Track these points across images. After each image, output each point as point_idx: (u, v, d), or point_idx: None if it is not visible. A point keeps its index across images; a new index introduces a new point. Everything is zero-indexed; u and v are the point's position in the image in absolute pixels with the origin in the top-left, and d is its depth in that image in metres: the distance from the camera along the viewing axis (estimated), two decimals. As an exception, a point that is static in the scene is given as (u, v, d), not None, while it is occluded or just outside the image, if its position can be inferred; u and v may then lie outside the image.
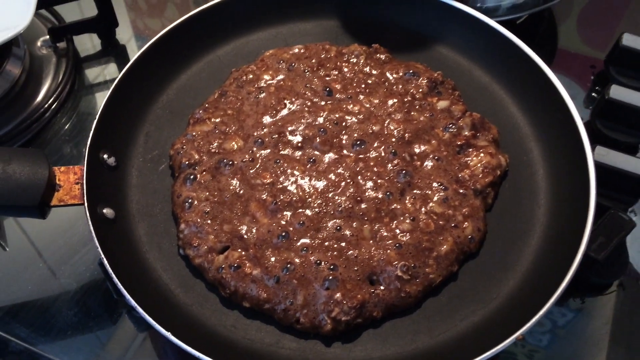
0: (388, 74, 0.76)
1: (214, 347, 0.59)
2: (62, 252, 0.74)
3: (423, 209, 0.66)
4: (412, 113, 0.73)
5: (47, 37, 0.90)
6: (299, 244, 0.63)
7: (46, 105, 0.85)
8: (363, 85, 0.75)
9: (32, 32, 0.91)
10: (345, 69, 0.76)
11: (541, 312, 0.57)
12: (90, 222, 0.62)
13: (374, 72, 0.76)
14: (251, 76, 0.76)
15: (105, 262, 0.60)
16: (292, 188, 0.67)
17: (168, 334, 0.57)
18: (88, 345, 0.69)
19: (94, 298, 0.71)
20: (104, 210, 0.66)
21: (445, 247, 0.64)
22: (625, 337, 0.68)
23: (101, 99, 0.72)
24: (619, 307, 0.69)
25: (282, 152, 0.70)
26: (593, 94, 0.88)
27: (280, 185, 0.67)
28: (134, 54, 0.76)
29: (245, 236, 0.64)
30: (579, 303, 0.70)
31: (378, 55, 0.79)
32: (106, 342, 0.69)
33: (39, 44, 0.91)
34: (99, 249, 0.61)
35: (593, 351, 0.67)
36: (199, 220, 0.65)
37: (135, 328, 0.70)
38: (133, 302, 0.59)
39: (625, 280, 0.72)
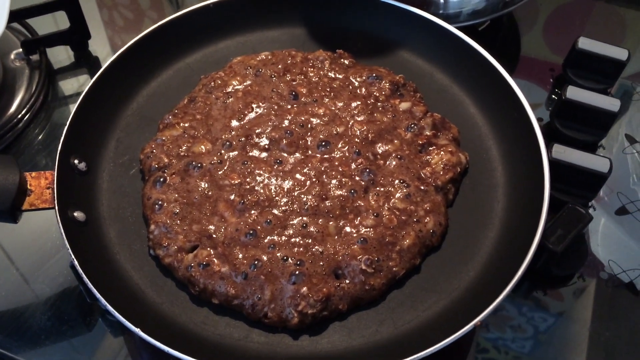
0: (352, 78, 0.78)
1: (184, 343, 0.60)
2: (35, 258, 0.75)
3: (386, 205, 0.68)
4: (375, 114, 0.75)
5: (20, 49, 0.91)
6: (266, 241, 0.65)
7: (19, 116, 0.86)
8: (328, 89, 0.77)
9: (5, 44, 0.92)
10: (311, 74, 0.79)
11: (498, 300, 0.59)
12: (60, 225, 0.64)
13: (339, 76, 0.79)
14: (219, 82, 0.78)
15: (76, 263, 0.62)
16: (259, 188, 0.69)
17: (137, 330, 0.58)
18: (62, 349, 0.69)
19: (67, 303, 0.72)
20: (75, 214, 0.67)
21: (407, 241, 0.66)
22: (603, 340, 0.69)
23: (72, 111, 0.73)
24: (597, 310, 0.71)
25: (249, 154, 0.71)
26: (553, 96, 0.91)
27: (248, 186, 0.69)
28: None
29: (213, 235, 0.66)
30: (559, 307, 0.72)
31: (342, 60, 0.81)
32: (80, 347, 0.70)
33: (12, 56, 0.92)
34: (70, 251, 0.62)
35: (573, 355, 0.69)
36: (168, 221, 0.67)
37: (110, 333, 0.71)
38: (104, 302, 0.60)
39: (585, 271, 0.74)
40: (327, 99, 0.76)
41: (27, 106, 0.87)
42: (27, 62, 0.92)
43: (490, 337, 0.70)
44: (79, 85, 0.93)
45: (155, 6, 1.06)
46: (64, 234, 0.63)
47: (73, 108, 0.74)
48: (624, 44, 0.87)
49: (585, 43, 0.87)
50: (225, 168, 0.70)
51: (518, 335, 0.70)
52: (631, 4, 1.03)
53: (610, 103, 0.81)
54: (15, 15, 0.88)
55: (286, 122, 0.74)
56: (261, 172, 0.70)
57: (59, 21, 0.96)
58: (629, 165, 0.84)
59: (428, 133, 0.74)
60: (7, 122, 0.85)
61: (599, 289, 0.73)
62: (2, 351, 0.69)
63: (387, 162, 0.71)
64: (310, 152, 0.72)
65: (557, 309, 0.72)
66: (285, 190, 0.69)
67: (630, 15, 1.02)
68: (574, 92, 0.82)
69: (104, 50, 0.97)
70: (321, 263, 0.64)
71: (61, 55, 0.96)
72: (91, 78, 0.93)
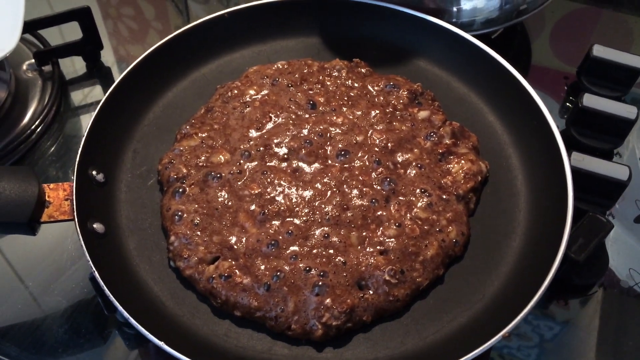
0: (369, 87, 0.78)
1: (207, 356, 0.59)
2: (51, 270, 0.74)
3: (408, 215, 0.67)
4: (394, 123, 0.75)
5: (33, 60, 0.91)
6: (288, 252, 0.65)
7: (32, 127, 0.85)
8: (345, 98, 0.77)
9: (18, 56, 0.91)
10: (328, 83, 0.79)
11: (525, 310, 0.59)
12: (80, 237, 0.63)
13: (356, 85, 0.78)
14: (236, 92, 0.78)
15: (97, 275, 0.61)
16: (279, 198, 0.68)
17: (161, 344, 0.57)
18: (80, 362, 0.69)
19: (84, 315, 0.71)
20: (94, 225, 0.67)
21: (430, 251, 0.65)
22: (611, 347, 0.69)
23: (87, 121, 0.73)
24: (605, 317, 0.70)
25: (268, 164, 0.71)
26: (567, 104, 0.91)
27: (268, 196, 0.68)
28: (119, 77, 0.77)
29: (235, 246, 0.65)
30: (565, 315, 0.71)
31: (359, 69, 0.81)
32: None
33: (24, 67, 0.91)
34: (90, 263, 0.62)
35: None
36: (188, 232, 0.66)
37: (126, 345, 0.70)
38: (126, 314, 0.59)
39: (606, 281, 0.74)
40: (345, 108, 0.76)
41: (40, 117, 0.87)
42: (40, 73, 0.91)
43: (496, 345, 0.69)
44: (91, 96, 0.93)
45: (160, 17, 1.05)
46: (84, 246, 0.62)
47: (86, 119, 0.74)
48: (631, 52, 0.87)
49: (599, 51, 0.86)
50: (245, 178, 0.70)
51: (523, 344, 0.69)
52: (639, 12, 1.03)
53: (627, 110, 0.80)
54: (29, 27, 0.88)
55: (305, 132, 0.73)
56: (281, 182, 0.69)
57: (64, 33, 0.96)
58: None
59: (447, 142, 0.73)
60: (21, 134, 0.85)
61: (606, 297, 0.72)
62: (20, 365, 0.68)
63: (408, 171, 0.71)
64: (329, 161, 0.71)
65: (563, 317, 0.71)
66: (306, 200, 0.68)
67: (638, 23, 1.02)
68: (590, 100, 0.81)
69: (109, 61, 0.97)
70: (344, 274, 0.63)
71: (73, 66, 0.95)
72: (104, 88, 0.94)
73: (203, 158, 0.72)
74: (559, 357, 0.69)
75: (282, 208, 0.67)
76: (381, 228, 0.66)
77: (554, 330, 0.70)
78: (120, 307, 0.59)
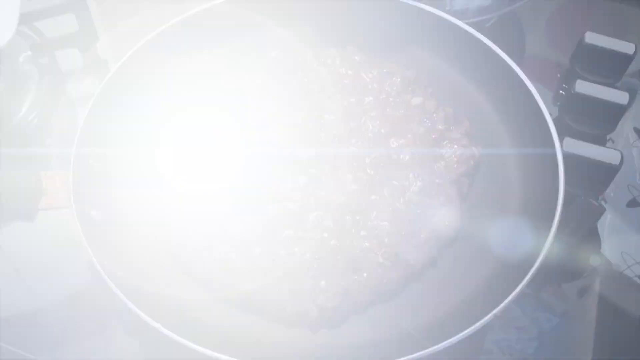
0: (363, 74, 0.79)
1: (205, 339, 0.60)
2: (49, 258, 0.74)
3: (401, 199, 0.68)
4: (387, 110, 0.75)
5: (29, 52, 0.91)
6: (283, 236, 0.66)
7: (29, 119, 0.86)
8: (339, 85, 0.78)
9: (14, 48, 0.91)
10: (322, 70, 0.79)
11: (516, 290, 0.60)
12: (79, 224, 0.64)
13: (349, 72, 0.79)
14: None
15: (96, 262, 0.62)
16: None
17: (158, 325, 0.58)
18: (79, 350, 0.70)
19: (83, 302, 0.72)
20: (92, 212, 0.67)
21: (424, 234, 0.66)
22: (610, 338, 0.70)
23: (84, 112, 0.73)
24: (603, 307, 0.71)
25: (263, 151, 0.72)
26: (560, 92, 0.92)
27: (263, 182, 0.69)
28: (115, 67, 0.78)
29: (230, 230, 0.66)
30: (562, 305, 0.72)
31: (352, 57, 0.81)
32: (96, 347, 0.70)
33: (20, 59, 0.92)
34: (89, 250, 0.62)
35: (579, 354, 0.69)
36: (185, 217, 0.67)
37: (126, 332, 0.70)
38: (125, 299, 0.60)
39: (598, 265, 0.75)
40: (338, 95, 0.76)
41: (37, 109, 0.87)
42: (36, 65, 0.91)
43: (494, 338, 0.70)
44: (88, 87, 0.93)
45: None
46: (82, 232, 0.63)
47: (83, 110, 0.74)
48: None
49: (592, 37, 0.87)
50: (241, 164, 0.71)
51: (522, 336, 0.70)
52: (633, 2, 1.03)
53: (618, 96, 0.81)
54: (24, 18, 0.88)
55: (299, 119, 0.74)
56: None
57: (60, 25, 0.96)
58: (634, 159, 0.84)
59: (440, 127, 0.74)
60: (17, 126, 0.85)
61: (604, 285, 0.73)
62: (19, 351, 0.69)
63: (401, 157, 0.72)
64: (323, 147, 0.72)
65: (562, 308, 0.72)
66: (301, 185, 0.69)
67: (632, 13, 1.02)
68: (583, 86, 0.82)
69: (106, 53, 0.97)
70: (339, 257, 0.64)
71: (70, 58, 0.96)
72: (100, 80, 0.94)
73: (200, 145, 0.73)
74: (558, 349, 0.70)
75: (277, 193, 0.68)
76: (375, 212, 0.67)
77: (552, 322, 0.70)
78: (119, 294, 0.60)
